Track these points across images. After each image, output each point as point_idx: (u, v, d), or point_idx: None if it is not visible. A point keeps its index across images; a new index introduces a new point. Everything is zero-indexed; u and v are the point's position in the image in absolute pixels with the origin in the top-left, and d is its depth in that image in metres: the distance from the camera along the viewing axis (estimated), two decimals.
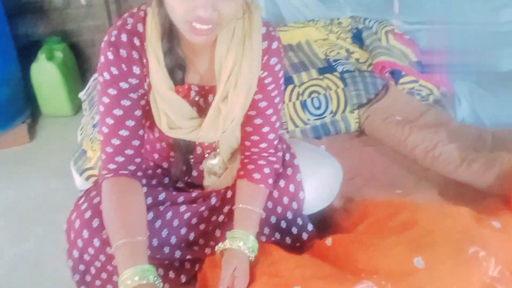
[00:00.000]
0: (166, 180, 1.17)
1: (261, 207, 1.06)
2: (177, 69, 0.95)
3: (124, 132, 0.96)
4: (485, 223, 1.05)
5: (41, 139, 2.16)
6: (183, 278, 1.10)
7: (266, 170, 1.07)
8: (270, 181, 1.08)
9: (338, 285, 0.90)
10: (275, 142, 1.11)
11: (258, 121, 1.06)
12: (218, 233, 1.09)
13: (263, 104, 1.04)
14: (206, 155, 1.13)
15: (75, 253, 1.00)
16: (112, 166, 0.97)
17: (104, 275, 1.03)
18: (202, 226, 1.10)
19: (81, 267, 1.02)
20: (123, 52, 0.92)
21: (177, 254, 1.07)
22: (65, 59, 2.26)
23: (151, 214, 1.03)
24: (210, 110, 0.98)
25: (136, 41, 0.93)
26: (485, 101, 1.79)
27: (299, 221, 1.14)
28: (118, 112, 0.95)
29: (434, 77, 1.85)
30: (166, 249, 1.06)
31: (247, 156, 1.10)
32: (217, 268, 0.99)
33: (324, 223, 1.24)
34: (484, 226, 1.04)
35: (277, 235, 1.12)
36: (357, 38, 1.97)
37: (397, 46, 1.89)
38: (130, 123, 0.96)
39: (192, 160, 1.13)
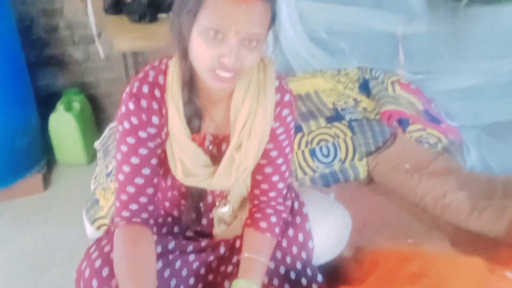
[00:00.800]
0: (176, 229, 1.18)
1: (267, 256, 1.07)
2: (194, 118, 1.00)
3: (139, 180, 0.99)
4: (498, 273, 1.03)
5: (55, 188, 2.20)
6: None
7: (273, 219, 1.08)
8: (277, 230, 1.09)
9: None
10: (284, 191, 1.12)
11: (268, 170, 1.08)
12: (226, 284, 1.08)
13: (274, 153, 1.07)
14: (217, 203, 1.14)
15: None
16: (125, 213, 0.99)
17: None
18: (210, 277, 1.10)
19: None
20: (143, 103, 0.97)
21: None
22: (83, 110, 2.34)
23: (160, 263, 1.04)
24: (224, 159, 1.01)
25: (157, 92, 0.98)
26: (494, 148, 1.80)
27: (309, 271, 1.13)
28: (135, 160, 0.98)
29: (441, 126, 1.86)
30: None
31: (255, 204, 1.12)
32: None
33: (334, 273, 1.22)
34: (497, 277, 1.02)
35: (286, 287, 1.11)
36: (364, 88, 2.02)
37: (403, 96, 1.93)
38: (146, 171, 0.99)
39: (202, 208, 1.15)
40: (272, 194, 1.10)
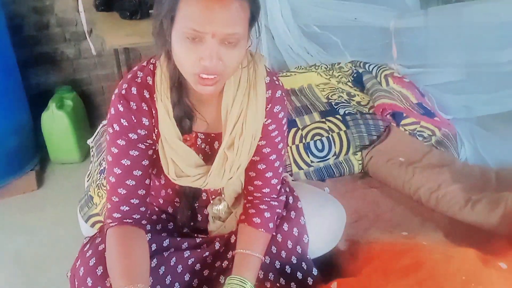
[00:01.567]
0: (171, 225, 1.17)
1: (261, 251, 1.07)
2: (185, 119, 0.99)
3: (130, 182, 0.99)
4: (491, 264, 1.04)
5: (49, 186, 2.19)
6: None
7: (267, 215, 1.09)
8: (271, 225, 1.09)
9: None
10: (278, 187, 1.12)
11: (261, 166, 1.08)
12: (222, 279, 1.08)
13: (266, 150, 1.07)
14: (211, 201, 1.14)
15: None
16: (117, 215, 0.99)
17: None
18: (205, 272, 1.10)
19: None
20: (133, 104, 0.96)
21: None
22: (75, 107, 2.32)
23: (155, 261, 1.03)
24: (217, 158, 1.01)
25: (146, 93, 0.97)
26: (488, 141, 1.81)
27: (304, 265, 1.13)
28: (126, 162, 0.98)
29: (435, 118, 1.87)
30: None
31: (249, 200, 1.12)
32: None
33: (329, 267, 1.22)
34: (490, 268, 1.03)
35: (282, 281, 1.11)
36: (358, 81, 2.02)
37: (397, 89, 1.93)
38: (137, 172, 0.99)
39: (197, 205, 1.15)
40: (266, 190, 1.10)
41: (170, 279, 1.05)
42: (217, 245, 1.12)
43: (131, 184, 0.99)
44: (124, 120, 0.96)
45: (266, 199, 1.11)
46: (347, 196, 1.56)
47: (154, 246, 1.06)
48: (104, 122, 1.86)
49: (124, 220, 0.99)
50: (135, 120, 0.97)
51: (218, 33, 0.83)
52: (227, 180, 1.04)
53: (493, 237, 1.32)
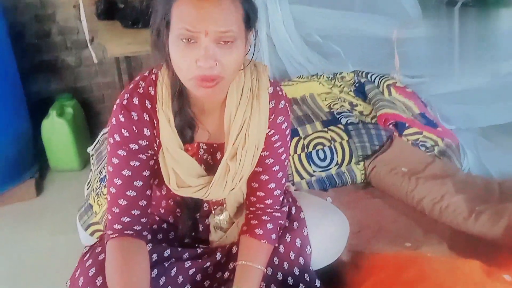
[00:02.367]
0: (172, 235, 1.16)
1: (263, 263, 1.05)
2: (186, 129, 0.98)
3: (131, 193, 0.97)
4: (496, 277, 1.03)
5: (48, 194, 2.18)
6: None
7: (269, 226, 1.07)
8: (273, 236, 1.08)
9: None
10: (281, 198, 1.11)
11: (264, 177, 1.07)
12: None
13: (269, 161, 1.06)
14: (213, 211, 1.13)
15: None
16: (117, 226, 0.98)
17: None
18: (206, 283, 1.08)
19: None
20: (134, 115, 0.95)
21: None
22: (75, 115, 2.32)
23: (155, 271, 1.02)
24: (219, 169, 1.00)
25: (148, 104, 0.96)
26: (491, 152, 1.80)
27: (307, 277, 1.11)
28: (126, 172, 0.97)
29: (438, 129, 1.86)
30: None
31: (251, 211, 1.10)
32: None
33: (332, 278, 1.21)
34: (495, 280, 1.01)
35: None
36: (360, 91, 2.01)
37: (399, 99, 1.93)
38: (138, 183, 0.98)
39: (199, 215, 1.13)
40: (268, 201, 1.09)
41: None
42: (218, 256, 1.11)
43: (131, 195, 0.98)
44: (125, 131, 0.95)
45: (269, 210, 1.09)
46: (349, 206, 1.54)
47: (155, 257, 1.04)
48: (105, 130, 1.85)
49: (125, 232, 0.98)
50: (136, 131, 0.96)
51: (211, 31, 0.82)
52: (229, 191, 1.03)
53: (497, 248, 1.31)
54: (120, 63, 2.42)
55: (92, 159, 1.86)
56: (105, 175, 1.59)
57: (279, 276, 1.10)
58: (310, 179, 1.71)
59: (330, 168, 1.72)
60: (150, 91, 0.97)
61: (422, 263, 1.08)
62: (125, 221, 0.98)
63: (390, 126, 1.82)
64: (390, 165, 1.68)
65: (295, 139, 1.74)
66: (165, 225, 1.16)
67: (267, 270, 1.08)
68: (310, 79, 2.11)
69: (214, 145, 1.04)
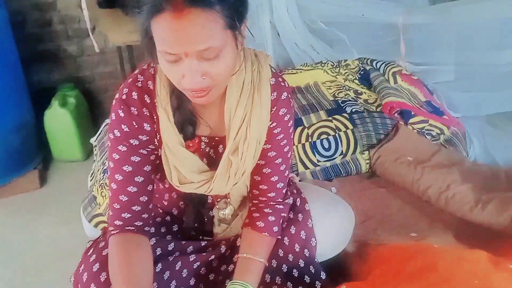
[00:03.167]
0: (175, 227, 1.15)
1: (265, 256, 1.05)
2: (187, 125, 0.97)
3: (132, 189, 0.96)
4: (503, 267, 1.01)
5: (52, 184, 2.18)
6: None
7: (271, 218, 1.06)
8: (276, 229, 1.07)
9: None
10: (284, 191, 1.10)
11: (267, 170, 1.05)
12: (227, 283, 1.05)
13: (272, 153, 1.04)
14: (217, 205, 1.12)
15: None
16: (118, 222, 0.97)
17: None
18: (211, 276, 1.08)
19: None
20: (134, 110, 0.94)
21: None
22: (78, 105, 2.30)
23: (159, 265, 1.01)
24: (221, 163, 0.98)
25: (147, 98, 0.95)
26: (497, 139, 1.78)
27: (312, 269, 1.10)
28: (127, 168, 0.95)
29: (444, 117, 1.84)
30: None
31: (254, 204, 1.10)
32: None
33: (338, 269, 1.20)
34: (502, 270, 1.00)
35: (289, 284, 1.08)
36: (365, 79, 1.99)
37: (405, 87, 1.90)
38: (139, 179, 0.97)
39: (203, 208, 1.13)
40: (271, 194, 1.08)
41: (175, 284, 1.03)
42: (222, 249, 1.10)
43: (132, 191, 0.97)
44: (125, 126, 0.94)
45: (271, 203, 1.08)
46: (354, 196, 1.54)
47: (159, 250, 1.04)
48: (108, 120, 1.84)
49: (126, 228, 0.97)
50: (136, 126, 0.95)
51: (191, 52, 0.79)
52: (232, 185, 1.02)
53: (503, 238, 1.30)
54: (122, 52, 2.40)
55: (95, 150, 1.85)
56: (107, 167, 1.59)
57: (284, 268, 1.09)
58: (315, 169, 1.69)
59: (335, 158, 1.71)
60: (149, 85, 0.95)
61: (428, 254, 1.07)
62: (126, 217, 0.97)
63: (396, 114, 1.79)
64: (396, 154, 1.66)
65: (299, 128, 1.72)
66: (168, 218, 1.16)
67: (271, 262, 1.08)
68: (315, 67, 2.08)
69: (216, 139, 1.03)
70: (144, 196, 0.98)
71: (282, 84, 1.02)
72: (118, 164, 0.96)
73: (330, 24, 2.14)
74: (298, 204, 1.16)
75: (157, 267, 1.00)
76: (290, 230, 1.11)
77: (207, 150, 1.04)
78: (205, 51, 0.80)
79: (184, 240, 1.10)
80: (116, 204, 0.97)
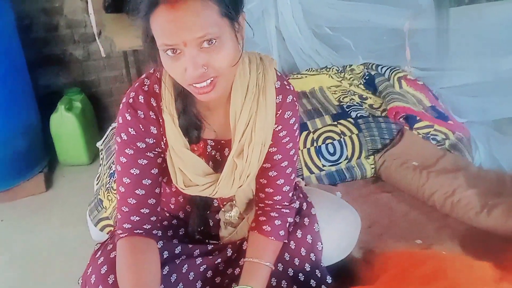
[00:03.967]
0: (182, 231, 1.16)
1: (271, 260, 1.05)
2: (192, 128, 0.97)
3: (140, 191, 0.97)
4: (508, 279, 1.00)
5: (57, 188, 2.19)
6: None
7: (277, 222, 1.06)
8: (282, 233, 1.07)
9: None
10: (290, 194, 1.10)
11: (272, 173, 1.06)
12: (234, 286, 1.06)
13: (278, 157, 1.04)
14: (223, 207, 1.12)
15: None
16: (127, 225, 0.98)
17: None
18: (217, 280, 1.08)
19: None
20: (140, 113, 0.95)
21: None
22: (84, 110, 2.32)
23: (166, 268, 1.02)
24: (226, 166, 0.99)
25: (153, 102, 0.96)
26: (503, 145, 1.77)
27: (318, 273, 1.10)
28: (135, 171, 0.96)
29: (449, 122, 1.84)
30: None
31: (260, 207, 1.10)
32: None
33: (344, 274, 1.20)
34: (508, 281, 1.00)
35: None
36: (370, 84, 1.99)
37: (410, 92, 1.90)
38: (147, 181, 0.97)
39: (208, 211, 1.13)
40: (277, 197, 1.08)
41: (182, 286, 1.03)
42: (229, 252, 1.11)
43: (140, 194, 0.97)
44: (132, 129, 0.95)
45: (278, 206, 1.08)
46: (359, 201, 1.54)
47: (166, 254, 1.04)
48: (114, 124, 1.85)
49: (135, 231, 0.98)
50: (143, 129, 0.96)
51: (189, 41, 0.80)
52: (237, 188, 1.02)
53: (509, 243, 1.29)
54: (128, 57, 2.41)
55: (101, 153, 1.86)
56: (115, 170, 1.59)
57: (290, 272, 1.09)
58: (320, 174, 1.69)
59: (340, 163, 1.71)
60: (155, 89, 0.96)
61: (437, 260, 1.07)
62: (135, 220, 0.98)
63: (401, 119, 1.80)
64: (401, 159, 1.66)
65: (305, 133, 1.72)
66: (175, 221, 1.16)
67: (277, 266, 1.08)
68: (320, 72, 2.08)
69: (222, 142, 1.03)
70: (152, 199, 0.99)
71: (288, 87, 1.02)
72: (125, 167, 0.96)
73: (335, 29, 2.14)
74: (304, 208, 1.16)
75: (164, 270, 1.00)
76: (297, 234, 1.11)
77: (213, 153, 1.04)
78: (203, 39, 0.80)
79: (191, 244, 1.10)
80: (124, 207, 0.98)
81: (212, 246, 1.12)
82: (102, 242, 1.07)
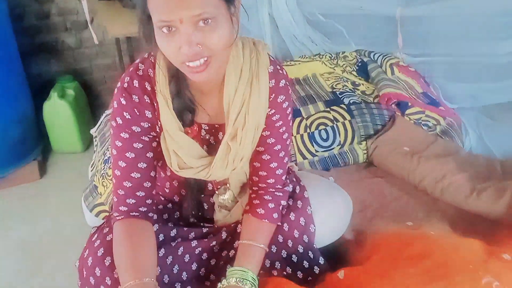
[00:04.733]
0: (177, 214, 1.18)
1: (265, 242, 1.07)
2: (186, 111, 0.98)
3: (136, 175, 0.98)
4: (496, 256, 1.04)
5: (51, 176, 2.19)
6: None
7: (271, 205, 1.08)
8: (275, 215, 1.09)
9: None
10: (283, 178, 1.12)
11: (266, 157, 1.07)
12: (228, 268, 1.08)
13: (271, 140, 1.06)
14: (217, 191, 1.14)
15: None
16: (123, 208, 0.99)
17: None
18: (213, 261, 1.10)
19: None
20: (135, 97, 0.96)
21: None
22: (77, 97, 2.31)
23: (162, 251, 1.04)
24: (220, 149, 1.00)
25: (148, 86, 0.96)
26: (493, 130, 1.80)
27: (310, 254, 1.13)
28: (130, 155, 0.97)
29: (440, 108, 1.86)
30: (178, 286, 1.05)
31: (254, 191, 1.12)
32: None
33: (336, 256, 1.22)
34: (495, 259, 1.03)
35: (288, 270, 1.11)
36: (363, 71, 2.01)
37: (402, 78, 1.92)
38: (142, 165, 0.99)
39: (203, 195, 1.15)
40: (270, 180, 1.10)
41: (178, 268, 1.05)
42: (223, 235, 1.12)
43: (136, 177, 0.99)
44: (127, 113, 0.96)
45: (271, 189, 1.10)
46: (352, 185, 1.55)
47: (161, 237, 1.06)
48: (107, 112, 1.85)
49: (131, 214, 0.99)
50: (138, 113, 0.97)
51: (185, 17, 0.81)
52: (231, 171, 1.03)
53: (498, 226, 1.32)
54: (121, 44, 2.40)
55: (95, 140, 1.86)
56: (109, 157, 1.60)
57: (283, 253, 1.12)
58: (313, 159, 1.72)
59: (333, 148, 1.73)
60: (149, 73, 0.97)
61: (425, 241, 1.09)
62: (131, 202, 0.99)
63: (393, 105, 1.82)
64: (392, 144, 1.68)
65: (298, 119, 1.74)
66: (170, 205, 1.18)
67: (271, 248, 1.10)
68: (313, 58, 2.09)
69: (216, 126, 1.04)
70: (147, 182, 1.00)
71: (280, 72, 1.03)
72: (121, 151, 0.98)
73: (328, 16, 2.15)
74: (297, 192, 1.18)
75: (160, 252, 1.02)
76: (290, 216, 1.13)
77: (207, 137, 1.06)
78: (199, 18, 0.81)
79: (186, 227, 1.12)
80: (120, 190, 0.99)
81: (207, 229, 1.14)
82: (98, 226, 1.08)
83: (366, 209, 1.47)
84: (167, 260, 1.04)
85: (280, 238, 1.12)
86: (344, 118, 1.75)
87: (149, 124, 0.99)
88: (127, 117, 0.96)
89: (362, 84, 1.94)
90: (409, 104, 1.81)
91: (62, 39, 2.50)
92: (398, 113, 1.81)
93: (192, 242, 1.09)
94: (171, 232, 1.09)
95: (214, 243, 1.11)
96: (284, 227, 1.12)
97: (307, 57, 2.11)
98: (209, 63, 0.87)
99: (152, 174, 1.02)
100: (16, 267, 1.65)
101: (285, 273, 1.10)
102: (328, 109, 1.77)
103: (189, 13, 0.81)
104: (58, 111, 2.23)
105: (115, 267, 0.95)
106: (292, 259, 1.12)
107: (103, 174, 1.58)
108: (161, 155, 1.03)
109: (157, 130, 1.00)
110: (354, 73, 2.00)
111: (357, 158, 1.75)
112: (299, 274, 1.11)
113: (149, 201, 1.02)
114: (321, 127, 1.73)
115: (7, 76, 1.98)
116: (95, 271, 0.96)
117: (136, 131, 0.97)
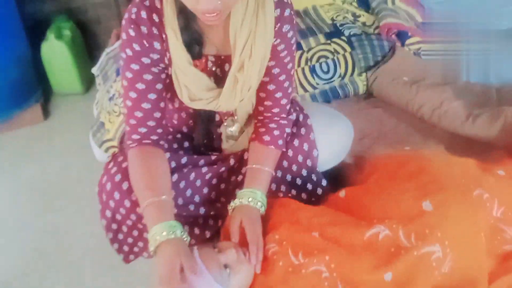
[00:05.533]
0: (186, 144, 1.22)
1: (272, 166, 1.12)
2: (194, 44, 0.99)
3: (146, 105, 1.01)
4: (490, 172, 1.09)
5: (56, 117, 2.22)
6: (208, 234, 1.17)
7: (276, 133, 1.12)
8: (280, 142, 1.13)
9: (353, 231, 0.96)
10: (287, 107, 1.15)
11: (271, 87, 1.10)
12: (237, 191, 1.14)
13: (276, 70, 1.08)
14: (224, 123, 1.18)
15: (108, 213, 1.07)
16: (136, 136, 1.03)
17: (135, 233, 1.11)
18: (222, 186, 1.17)
19: (114, 226, 1.09)
20: (143, 29, 0.96)
21: (202, 210, 1.14)
22: (73, 37, 2.29)
23: (175, 176, 1.09)
24: (227, 80, 1.02)
25: (155, 18, 0.97)
26: (491, 58, 1.80)
27: (314, 177, 1.19)
28: (140, 86, 1.00)
29: (439, 37, 1.86)
30: (191, 207, 1.12)
31: (259, 120, 1.15)
32: None
33: (337, 179, 1.29)
34: (489, 174, 1.08)
35: (293, 192, 1.18)
36: (363, 2, 1.98)
37: (403, 8, 1.90)
38: (152, 96, 1.01)
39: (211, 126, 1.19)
40: (275, 110, 1.13)
41: (191, 192, 1.12)
42: (232, 161, 1.18)
43: (146, 108, 1.01)
44: (136, 45, 0.97)
45: (276, 118, 1.14)
46: (352, 116, 1.56)
47: (173, 164, 1.11)
48: (108, 49, 1.85)
49: (143, 141, 1.03)
50: (147, 45, 0.98)
51: None
52: (239, 101, 1.06)
53: (492, 148, 1.38)
54: None
55: (98, 79, 1.87)
56: (113, 94, 1.63)
57: (288, 177, 1.18)
58: (314, 92, 1.74)
59: (333, 81, 1.75)
60: (156, 4, 0.97)
61: (420, 159, 1.13)
62: (142, 131, 1.03)
63: (393, 36, 1.81)
64: (392, 75, 1.70)
65: (299, 52, 1.74)
66: (179, 135, 1.22)
67: (277, 173, 1.16)
68: None
69: (222, 57, 1.06)
70: (157, 112, 1.03)
71: (285, 0, 1.03)
72: (131, 82, 1.00)
73: None
74: (301, 120, 1.22)
75: (173, 178, 1.07)
76: (294, 143, 1.18)
77: (213, 69, 1.07)
78: None
79: (196, 155, 1.17)
80: (132, 120, 1.02)
81: (216, 156, 1.19)
82: (113, 154, 1.13)
83: (365, 138, 1.52)
84: (180, 184, 1.10)
85: (285, 164, 1.17)
86: (345, 50, 1.76)
87: (158, 56, 1.00)
88: (136, 48, 0.97)
89: (363, 15, 1.92)
90: (409, 34, 1.81)
91: None
92: (398, 43, 1.81)
93: (202, 168, 1.14)
94: (182, 159, 1.14)
95: (223, 169, 1.16)
96: (288, 153, 1.17)
97: None
98: (221, 14, 0.87)
99: (162, 105, 1.05)
100: (28, 204, 1.71)
101: (290, 195, 1.18)
102: (329, 41, 1.77)
103: None
104: (56, 52, 2.22)
105: (132, 191, 1.00)
106: (296, 182, 1.18)
107: (109, 111, 1.61)
108: (170, 87, 1.05)
109: (166, 62, 1.02)
110: (355, 4, 1.98)
111: (357, 89, 1.77)
112: (303, 196, 1.19)
113: (159, 130, 1.05)
114: (322, 59, 1.74)
115: (1, 16, 1.95)
116: (114, 195, 1.02)
117: (145, 62, 0.99)
